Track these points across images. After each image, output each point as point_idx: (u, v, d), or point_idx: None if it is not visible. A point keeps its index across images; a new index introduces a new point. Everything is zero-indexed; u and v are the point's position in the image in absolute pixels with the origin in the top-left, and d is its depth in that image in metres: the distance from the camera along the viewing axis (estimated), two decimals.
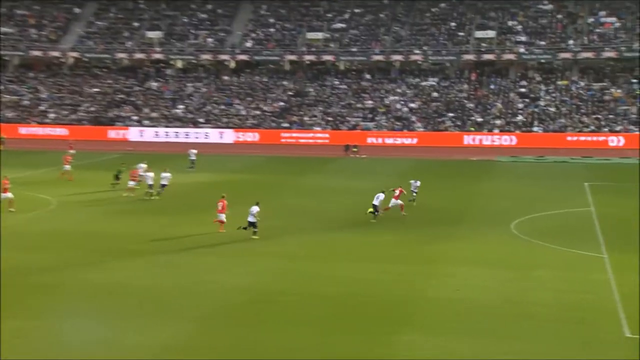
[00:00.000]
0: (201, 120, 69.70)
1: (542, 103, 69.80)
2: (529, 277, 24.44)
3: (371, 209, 32.27)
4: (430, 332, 19.28)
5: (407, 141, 64.81)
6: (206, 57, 75.12)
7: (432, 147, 62.18)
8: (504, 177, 47.51)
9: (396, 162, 53.89)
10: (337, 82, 73.76)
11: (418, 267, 25.23)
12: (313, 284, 23.23)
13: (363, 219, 32.51)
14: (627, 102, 68.13)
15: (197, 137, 65.97)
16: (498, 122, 67.78)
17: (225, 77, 75.23)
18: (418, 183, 36.89)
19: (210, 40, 76.30)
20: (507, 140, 64.69)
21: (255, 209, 28.83)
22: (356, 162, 54.61)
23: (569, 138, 63.90)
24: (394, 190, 33.81)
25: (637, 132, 63.53)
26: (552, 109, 68.80)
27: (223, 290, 22.42)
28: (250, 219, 28.69)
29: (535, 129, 66.51)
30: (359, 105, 70.66)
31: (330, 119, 68.81)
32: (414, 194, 36.44)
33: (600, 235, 30.29)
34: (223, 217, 29.76)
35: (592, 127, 65.49)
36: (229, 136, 66.49)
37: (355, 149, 58.81)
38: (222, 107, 71.38)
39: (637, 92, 68.86)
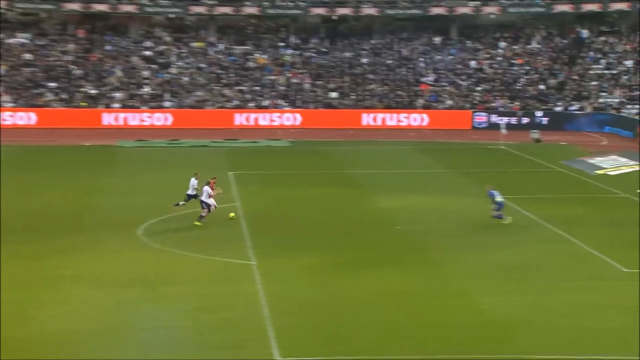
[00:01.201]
0: None
1: (173, 70, 71.78)
2: (161, 296, 25.02)
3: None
4: None
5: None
6: None
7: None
8: (128, 168, 48.15)
9: None
10: None
11: (13, 294, 24.38)
12: None
13: None
14: (274, 71, 73.22)
15: None
16: (118, 94, 68.10)
17: None
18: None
19: None
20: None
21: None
22: None
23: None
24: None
25: (290, 108, 68.66)
26: (186, 78, 71.14)
27: None
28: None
29: (166, 103, 68.17)
30: None
31: None
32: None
33: (247, 238, 32.12)
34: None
35: (237, 102, 69.17)
36: None
37: None
38: None
39: (286, 59, 74.37)
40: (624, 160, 52.27)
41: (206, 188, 34.01)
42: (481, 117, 68.52)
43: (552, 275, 27.75)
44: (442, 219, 35.39)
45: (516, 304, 24.63)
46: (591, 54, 75.37)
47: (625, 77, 72.30)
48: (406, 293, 25.64)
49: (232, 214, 35.20)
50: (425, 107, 69.95)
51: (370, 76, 73.09)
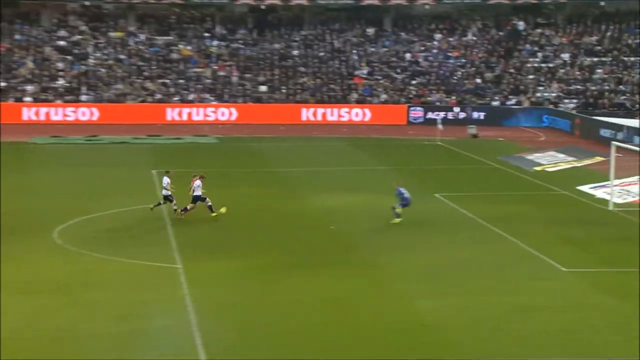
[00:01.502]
0: None
1: (90, 62, 70.97)
2: (80, 303, 24.80)
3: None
4: None
5: None
6: None
7: None
8: (43, 166, 47.60)
9: None
10: None
11: None
12: None
13: None
14: (200, 63, 72.93)
15: None
16: (30, 87, 67.09)
17: None
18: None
19: None
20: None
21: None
22: None
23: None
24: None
25: (218, 102, 68.47)
26: (105, 70, 70.43)
27: None
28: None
29: (83, 97, 67.40)
30: None
31: None
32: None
33: (172, 240, 32.01)
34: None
35: (160, 95, 68.73)
36: None
37: None
38: None
39: (212, 50, 74.12)
40: (561, 156, 53.39)
41: (198, 182, 34.75)
42: (417, 112, 69.25)
43: (489, 276, 28.23)
44: (377, 218, 35.67)
45: (453, 306, 25.00)
46: (528, 46, 76.76)
47: (562, 70, 73.80)
48: (339, 296, 25.83)
49: (223, 209, 35.41)
50: (360, 102, 70.42)
51: (302, 69, 73.31)
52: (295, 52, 75.09)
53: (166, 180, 35.38)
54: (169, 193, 35.18)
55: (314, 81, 72.08)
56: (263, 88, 70.76)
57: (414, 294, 26.12)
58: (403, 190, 35.05)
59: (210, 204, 34.99)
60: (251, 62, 73.33)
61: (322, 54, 75.39)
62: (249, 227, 34.49)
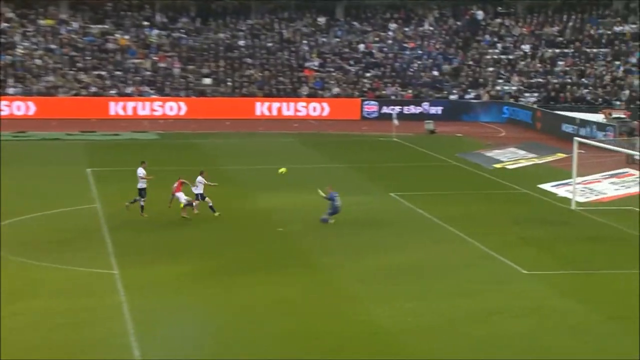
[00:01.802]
0: None
1: (18, 52, 70.18)
2: (9, 314, 24.53)
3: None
4: None
5: None
6: None
7: None
8: None
9: None
10: None
11: None
12: None
13: None
14: (138, 54, 72.51)
15: None
16: None
17: None
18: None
19: None
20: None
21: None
22: None
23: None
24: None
25: (158, 95, 68.22)
26: (38, 62, 69.76)
27: None
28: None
29: (10, 90, 66.72)
30: None
31: None
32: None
33: (109, 244, 31.86)
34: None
35: (95, 88, 68.25)
36: None
37: None
38: None
39: (151, 40, 73.76)
40: (522, 152, 53.98)
41: (200, 179, 35.45)
42: (371, 107, 69.58)
43: (446, 278, 28.47)
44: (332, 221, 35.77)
45: (408, 310, 25.17)
46: (487, 37, 77.48)
47: (523, 62, 74.60)
48: (287, 301, 25.88)
49: (282, 169, 37.32)
50: (311, 95, 70.55)
51: (248, 60, 73.25)
52: (242, 43, 75.02)
53: (141, 171, 35.56)
54: (145, 186, 35.39)
55: (262, 74, 72.06)
56: (207, 81, 70.61)
57: (368, 299, 26.25)
58: (336, 195, 35.14)
59: (211, 203, 35.63)
60: (194, 53, 73.12)
61: (270, 44, 75.43)
62: (191, 230, 34.41)
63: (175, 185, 35.35)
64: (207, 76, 71.06)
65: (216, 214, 35.53)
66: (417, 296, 26.57)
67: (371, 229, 34.87)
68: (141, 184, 35.62)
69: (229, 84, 70.64)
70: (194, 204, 35.48)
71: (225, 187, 40.14)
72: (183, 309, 25.25)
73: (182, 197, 35.32)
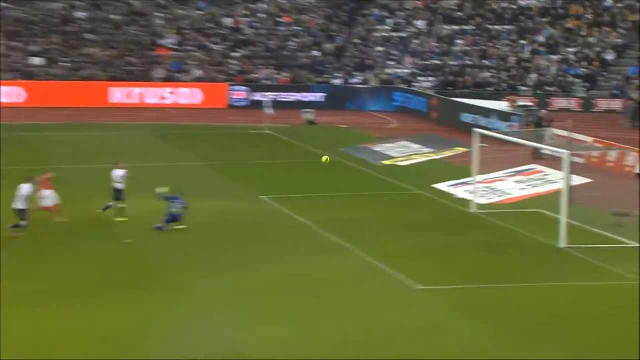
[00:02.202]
0: None
1: None
2: None
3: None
4: None
5: None
6: None
7: None
8: None
9: None
10: None
11: None
12: None
13: None
14: None
15: None
16: None
17: None
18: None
19: None
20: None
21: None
22: None
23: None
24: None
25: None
26: None
27: None
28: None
29: None
30: None
31: None
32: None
33: None
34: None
35: None
36: None
37: None
38: None
39: None
40: (416, 147, 54.62)
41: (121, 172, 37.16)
42: (240, 93, 69.51)
43: (324, 297, 28.46)
44: (185, 228, 35.52)
45: (275, 336, 25.08)
46: (375, 11, 78.20)
47: (417, 41, 75.49)
48: (138, 326, 25.55)
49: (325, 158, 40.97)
50: (167, 79, 70.03)
51: (89, 36, 72.26)
52: (81, 15, 73.95)
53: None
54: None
55: (106, 52, 71.18)
56: (37, 60, 69.30)
57: (233, 321, 26.09)
58: (177, 199, 34.96)
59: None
60: (21, 27, 71.68)
61: (116, 17, 74.52)
62: (22, 240, 33.69)
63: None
64: (36, 55, 69.72)
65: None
66: (288, 319, 26.48)
67: (238, 239, 34.74)
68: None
69: (65, 64, 69.48)
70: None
71: (59, 190, 39.38)
72: (13, 334, 24.66)
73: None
